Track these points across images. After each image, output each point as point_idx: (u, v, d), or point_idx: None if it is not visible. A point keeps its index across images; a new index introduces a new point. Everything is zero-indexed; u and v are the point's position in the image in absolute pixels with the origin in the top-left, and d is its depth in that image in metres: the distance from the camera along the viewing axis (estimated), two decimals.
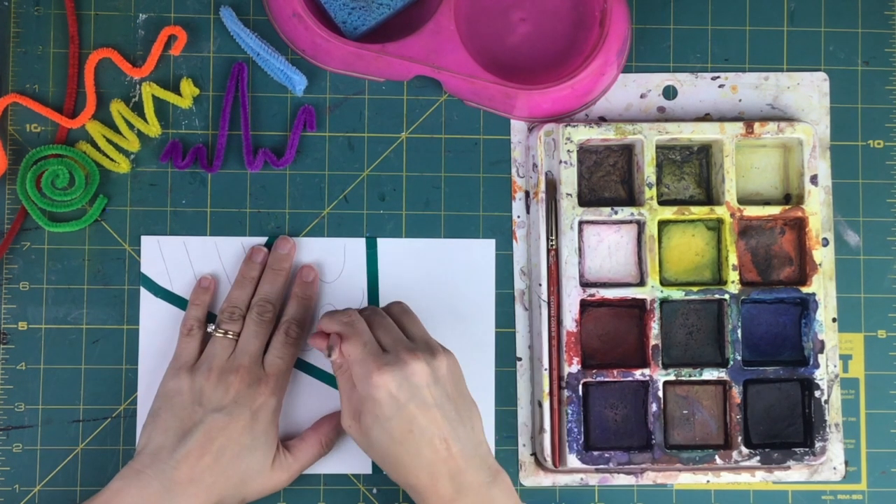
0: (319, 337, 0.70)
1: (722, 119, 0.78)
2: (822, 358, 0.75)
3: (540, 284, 0.75)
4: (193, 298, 0.75)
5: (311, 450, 0.73)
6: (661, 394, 0.74)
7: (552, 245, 0.75)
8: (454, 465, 0.66)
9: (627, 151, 0.77)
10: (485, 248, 0.77)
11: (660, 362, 0.74)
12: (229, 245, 0.76)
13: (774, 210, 0.76)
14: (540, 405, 0.75)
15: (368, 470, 0.76)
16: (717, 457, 0.74)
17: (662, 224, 0.76)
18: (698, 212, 0.75)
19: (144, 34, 0.77)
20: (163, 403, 0.71)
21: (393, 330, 0.69)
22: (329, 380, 0.76)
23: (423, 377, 0.66)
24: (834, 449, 0.77)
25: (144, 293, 0.76)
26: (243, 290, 0.74)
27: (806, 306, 0.75)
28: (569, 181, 0.75)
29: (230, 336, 0.72)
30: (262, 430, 0.70)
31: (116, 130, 0.76)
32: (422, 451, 0.66)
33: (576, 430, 0.73)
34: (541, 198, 0.75)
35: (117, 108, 0.75)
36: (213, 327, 0.73)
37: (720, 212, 0.75)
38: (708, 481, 0.76)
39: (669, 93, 0.79)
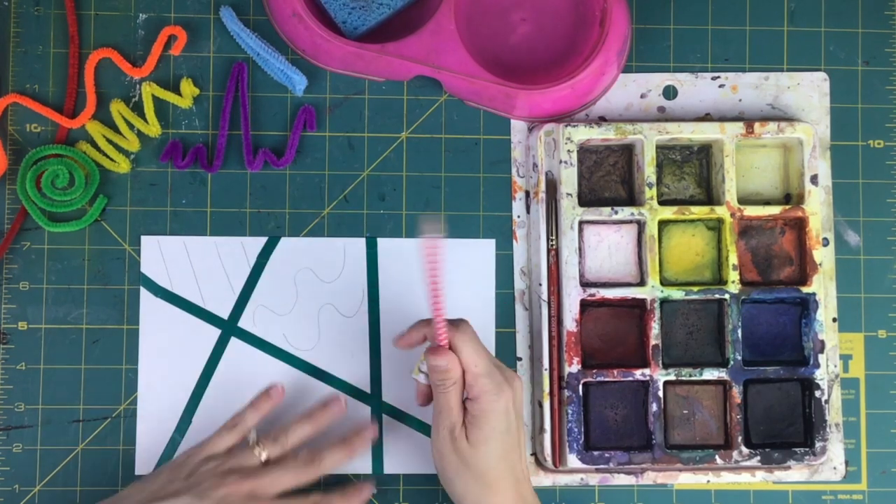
0: (440, 352, 0.68)
1: (722, 119, 0.78)
2: (822, 358, 0.75)
3: (540, 284, 0.75)
4: (256, 402, 0.73)
5: None
6: (661, 394, 0.74)
7: (552, 245, 0.75)
8: (527, 486, 0.69)
9: (627, 151, 0.77)
10: (485, 248, 0.77)
11: (660, 362, 0.74)
12: (229, 245, 0.76)
13: (774, 210, 0.76)
14: (540, 405, 0.75)
15: (369, 470, 0.76)
16: (717, 457, 0.74)
17: (662, 224, 0.76)
18: (698, 212, 0.75)
19: (144, 34, 0.77)
20: (165, 466, 0.71)
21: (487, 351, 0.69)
22: (326, 378, 0.76)
23: (521, 394, 0.69)
24: (834, 449, 0.77)
25: (144, 293, 0.76)
26: (304, 429, 0.72)
27: (806, 306, 0.75)
28: (569, 181, 0.75)
29: (261, 457, 0.70)
30: None
31: (116, 130, 0.76)
32: (515, 469, 0.68)
33: (576, 430, 0.73)
34: (541, 198, 0.75)
35: (117, 108, 0.75)
36: (254, 437, 0.71)
37: (720, 212, 0.75)
38: (708, 481, 0.76)
39: (669, 93, 0.79)
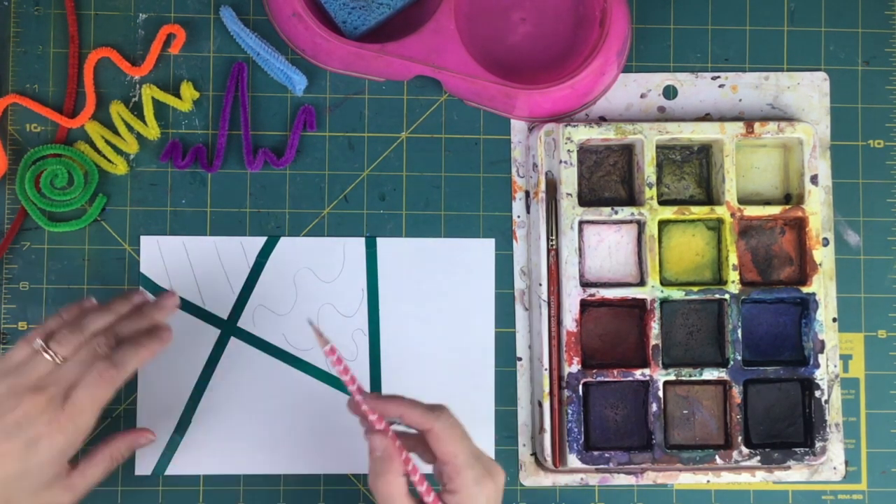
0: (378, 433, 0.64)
1: (722, 119, 0.78)
2: (822, 358, 0.75)
3: (540, 284, 0.75)
4: (63, 310, 0.68)
5: (101, 465, 0.67)
6: (661, 394, 0.74)
7: (552, 245, 0.75)
8: None
9: (627, 151, 0.77)
10: (485, 248, 0.77)
11: (660, 362, 0.74)
12: (229, 245, 0.76)
13: (774, 210, 0.76)
14: (540, 405, 0.75)
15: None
16: (717, 457, 0.74)
17: (662, 224, 0.76)
18: (698, 212, 0.75)
19: (144, 34, 0.77)
20: None
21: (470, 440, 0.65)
22: (326, 378, 0.76)
23: (503, 485, 0.64)
24: (834, 449, 0.77)
25: (144, 293, 0.76)
26: (102, 319, 0.68)
27: (806, 306, 0.75)
28: (569, 181, 0.75)
29: (56, 361, 0.65)
30: (38, 464, 0.63)
31: (115, 132, 0.76)
32: None
33: (576, 430, 0.73)
34: (541, 198, 0.75)
35: (117, 111, 0.75)
36: (42, 344, 0.65)
37: (720, 212, 0.75)
38: (708, 481, 0.76)
39: (669, 93, 0.79)
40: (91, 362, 0.65)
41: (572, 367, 0.73)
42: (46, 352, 0.65)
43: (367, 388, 0.76)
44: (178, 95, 0.76)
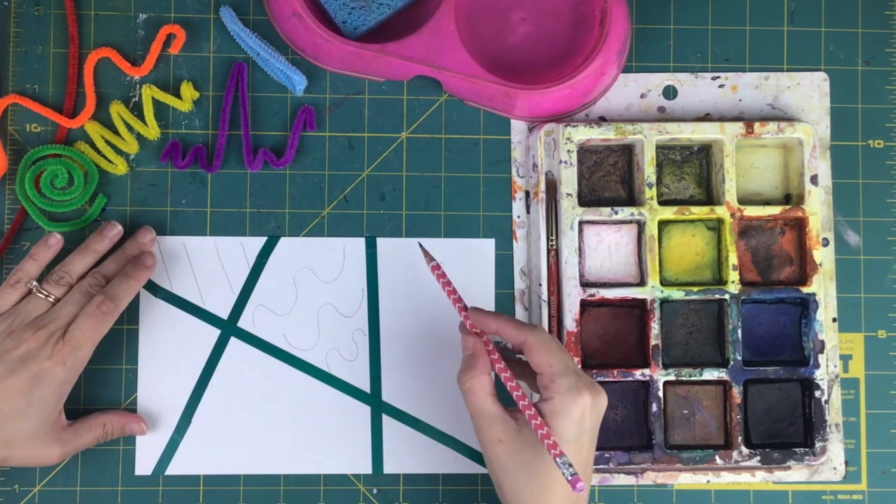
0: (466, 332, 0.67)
1: (722, 119, 0.78)
2: (822, 358, 0.75)
3: (540, 284, 0.75)
4: (34, 252, 0.72)
5: (93, 432, 0.72)
6: (661, 394, 0.74)
7: (552, 245, 0.75)
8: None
9: (627, 151, 0.77)
10: (485, 248, 0.77)
11: (660, 362, 0.74)
12: (229, 245, 0.76)
13: (774, 210, 0.76)
14: None
15: (368, 470, 0.76)
16: (717, 457, 0.74)
17: (662, 224, 0.76)
18: (698, 212, 0.75)
19: (144, 34, 0.77)
20: None
21: (569, 355, 0.66)
22: (326, 378, 0.76)
23: (604, 409, 0.65)
24: (834, 449, 0.77)
25: (144, 293, 0.76)
26: (83, 259, 0.72)
27: (806, 306, 0.75)
28: (569, 181, 0.75)
29: (49, 299, 0.70)
30: (41, 397, 0.68)
31: (115, 132, 0.76)
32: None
33: None
34: (541, 198, 0.75)
35: (117, 111, 0.75)
36: (37, 285, 0.70)
37: (720, 212, 0.75)
38: (708, 481, 0.76)
39: (669, 93, 0.79)
40: (83, 300, 0.70)
41: None
42: (41, 292, 0.70)
43: (367, 388, 0.76)
44: (178, 95, 0.76)
